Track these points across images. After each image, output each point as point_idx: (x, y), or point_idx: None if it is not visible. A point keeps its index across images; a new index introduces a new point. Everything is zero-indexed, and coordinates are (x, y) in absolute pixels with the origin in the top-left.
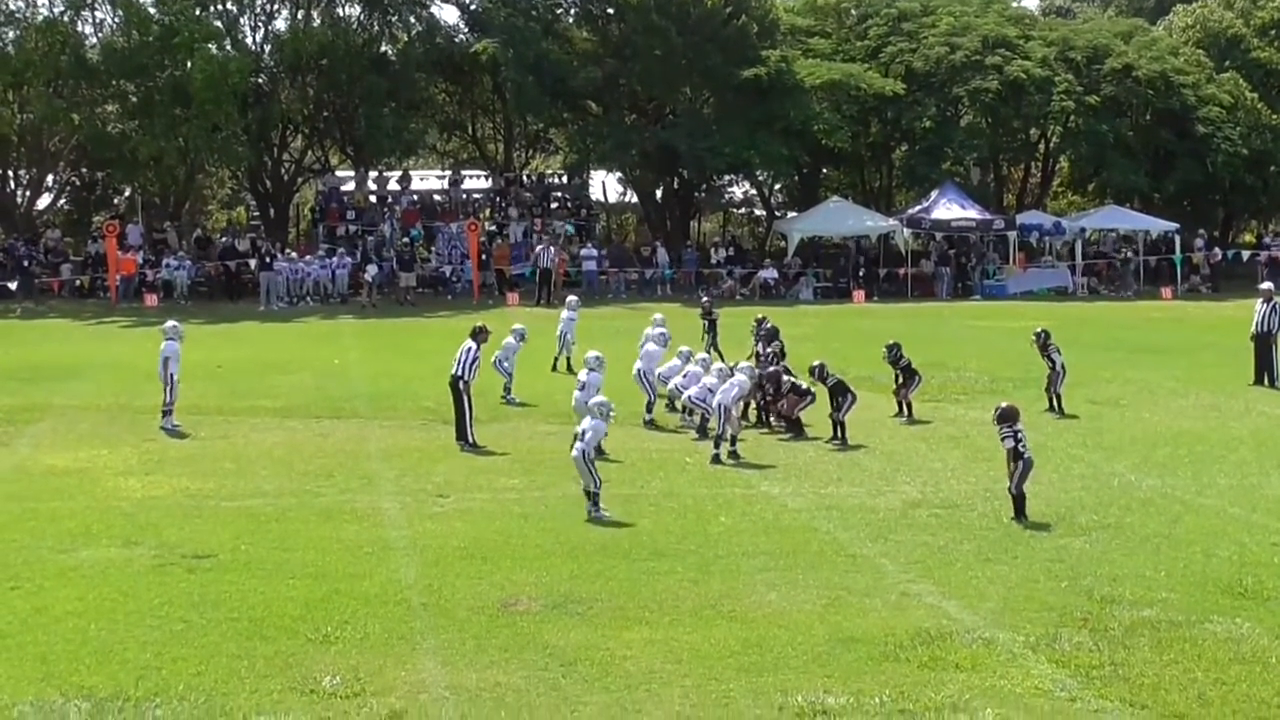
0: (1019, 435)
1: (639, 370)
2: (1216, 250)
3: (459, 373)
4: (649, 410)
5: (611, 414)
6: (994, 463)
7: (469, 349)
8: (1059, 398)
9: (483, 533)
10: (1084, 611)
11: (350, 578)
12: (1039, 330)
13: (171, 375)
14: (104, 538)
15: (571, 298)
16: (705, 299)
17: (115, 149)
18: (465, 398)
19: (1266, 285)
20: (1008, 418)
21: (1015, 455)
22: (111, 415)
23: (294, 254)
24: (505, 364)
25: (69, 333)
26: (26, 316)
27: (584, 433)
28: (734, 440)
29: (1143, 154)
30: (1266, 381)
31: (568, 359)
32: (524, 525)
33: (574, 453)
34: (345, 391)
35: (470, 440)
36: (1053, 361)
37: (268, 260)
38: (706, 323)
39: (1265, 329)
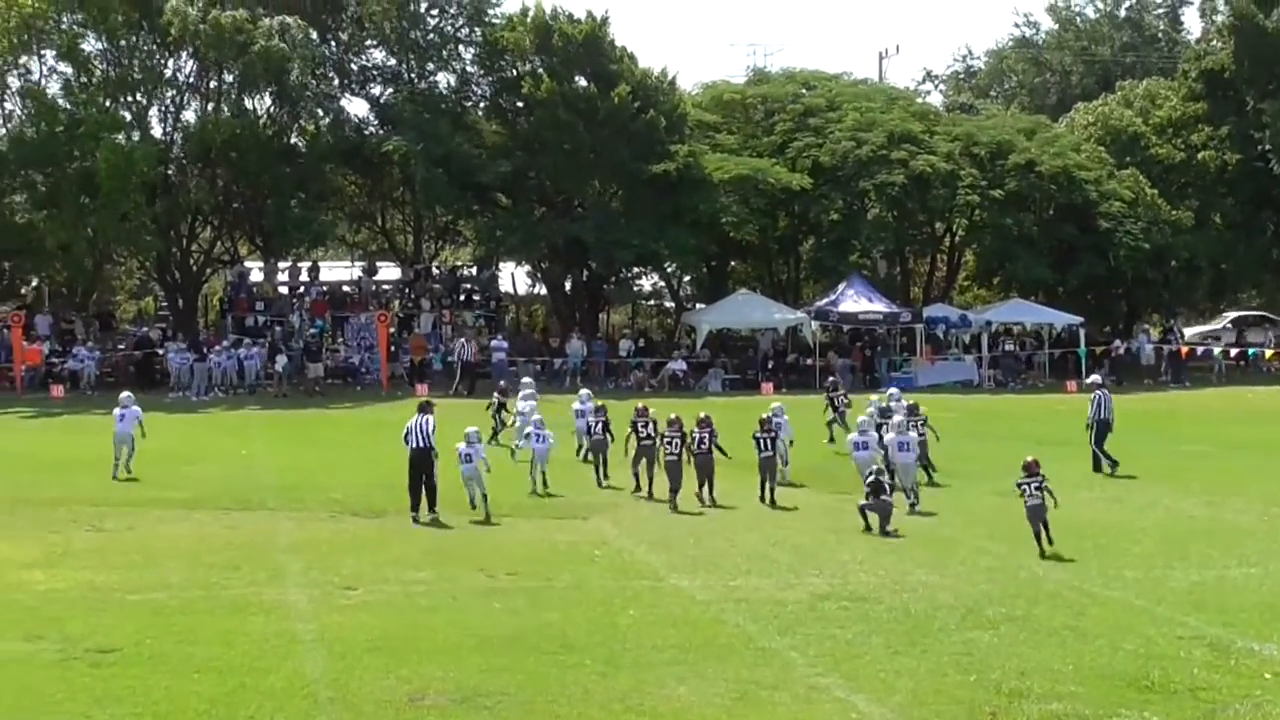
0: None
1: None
2: (1133, 342)
3: (428, 444)
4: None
5: None
6: (901, 554)
7: (427, 420)
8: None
9: (391, 626)
10: (992, 706)
11: (256, 672)
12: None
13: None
14: (5, 632)
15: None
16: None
17: (23, 238)
18: (433, 469)
19: (1094, 378)
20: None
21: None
22: (13, 507)
23: (204, 346)
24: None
25: None
26: None
27: None
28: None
29: (1046, 248)
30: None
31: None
32: (432, 618)
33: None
34: (253, 483)
35: (434, 511)
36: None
37: (186, 351)
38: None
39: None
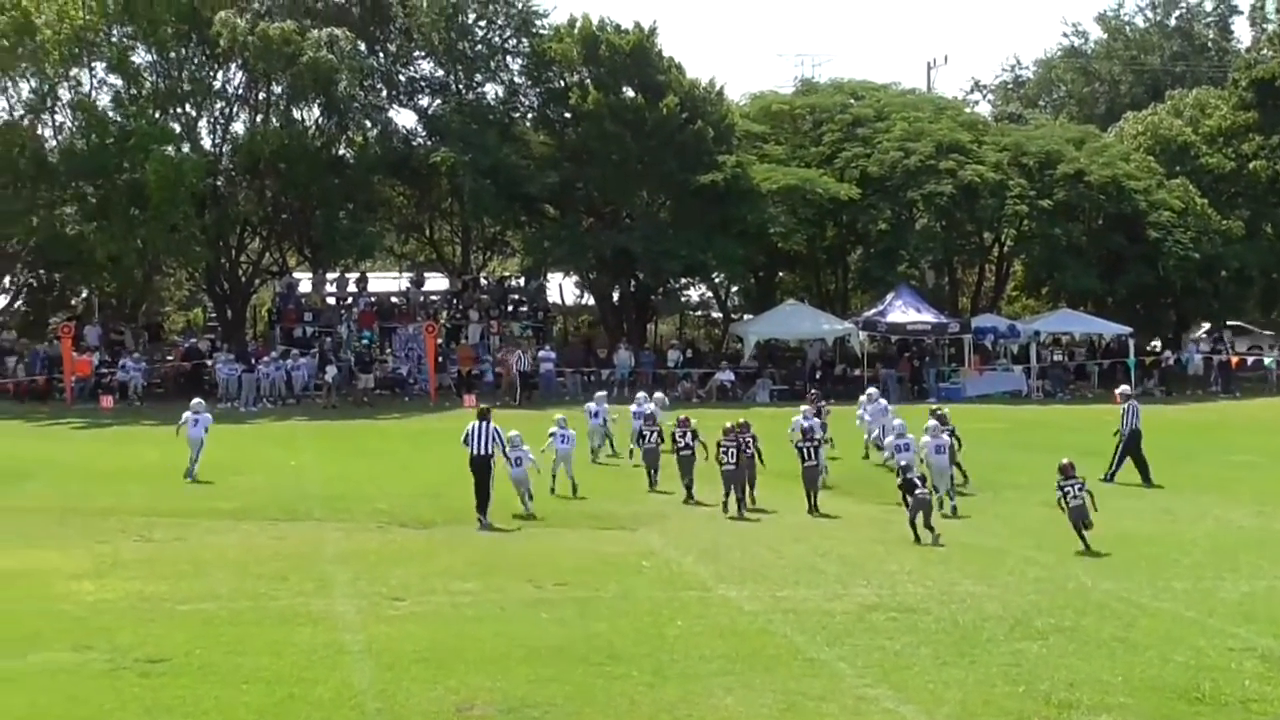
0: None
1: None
2: (1183, 352)
3: (488, 451)
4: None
5: None
6: (949, 565)
7: (488, 426)
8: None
9: (438, 636)
10: (1041, 717)
11: (304, 682)
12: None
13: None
14: (55, 642)
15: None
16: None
17: (73, 250)
18: (491, 475)
19: (1123, 389)
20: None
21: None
22: (63, 517)
23: (252, 357)
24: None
25: (19, 433)
26: None
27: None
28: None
29: (1095, 258)
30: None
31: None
32: (480, 629)
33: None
34: (301, 494)
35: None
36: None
37: (234, 362)
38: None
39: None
